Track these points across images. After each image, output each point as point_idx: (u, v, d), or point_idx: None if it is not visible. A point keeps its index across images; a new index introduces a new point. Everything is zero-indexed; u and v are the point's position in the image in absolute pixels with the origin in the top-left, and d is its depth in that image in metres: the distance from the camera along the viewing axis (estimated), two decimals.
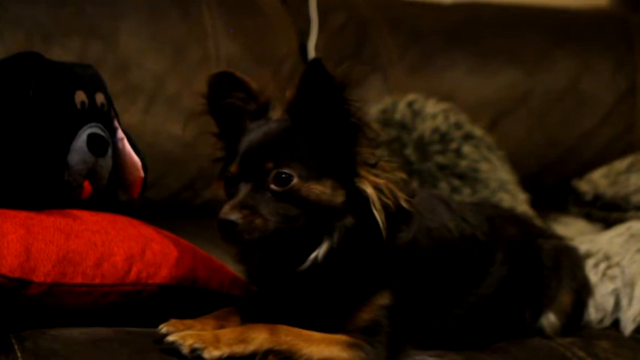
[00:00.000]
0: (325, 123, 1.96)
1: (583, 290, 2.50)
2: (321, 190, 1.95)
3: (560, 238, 2.63)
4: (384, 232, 1.97)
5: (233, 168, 1.98)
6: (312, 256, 1.97)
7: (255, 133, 2.01)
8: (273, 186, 1.94)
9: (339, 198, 1.96)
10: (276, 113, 2.04)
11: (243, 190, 1.94)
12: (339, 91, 1.94)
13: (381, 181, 1.98)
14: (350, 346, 1.97)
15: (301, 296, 2.03)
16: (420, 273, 2.08)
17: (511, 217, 2.60)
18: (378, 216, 1.96)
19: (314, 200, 1.94)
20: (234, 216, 1.90)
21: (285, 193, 1.93)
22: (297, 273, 1.98)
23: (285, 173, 1.93)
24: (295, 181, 1.93)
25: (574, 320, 2.47)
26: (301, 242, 1.97)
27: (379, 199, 1.97)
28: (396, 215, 2.00)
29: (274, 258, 2.01)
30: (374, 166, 1.99)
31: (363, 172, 1.97)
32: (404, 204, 2.00)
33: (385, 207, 1.97)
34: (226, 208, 1.91)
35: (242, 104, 2.06)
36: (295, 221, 1.94)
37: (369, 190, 1.96)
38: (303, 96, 1.97)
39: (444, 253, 2.15)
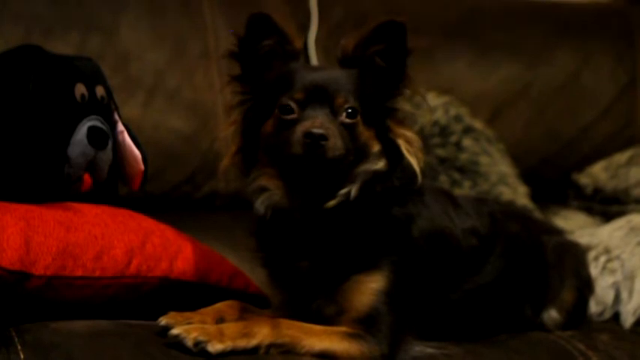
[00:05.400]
0: (379, 76, 2.06)
1: (585, 288, 2.51)
2: (368, 134, 2.04)
3: (564, 234, 2.63)
4: (419, 174, 2.06)
5: (298, 95, 2.01)
6: (344, 191, 2.02)
7: (316, 70, 2.12)
8: (343, 117, 2.00)
9: (377, 146, 2.05)
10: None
11: (320, 114, 1.99)
12: (405, 54, 2.05)
13: (410, 136, 2.08)
14: (349, 336, 1.99)
15: (321, 238, 2.05)
16: (417, 253, 2.11)
17: (515, 213, 2.61)
18: (412, 159, 2.06)
19: (362, 141, 2.03)
20: (325, 131, 1.95)
21: (349, 126, 2.00)
22: (324, 210, 2.02)
23: (353, 108, 2.01)
24: (358, 117, 2.02)
25: (575, 317, 2.47)
26: (336, 179, 2.03)
27: (408, 150, 2.07)
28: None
29: (310, 190, 2.04)
30: (404, 123, 2.09)
31: (395, 127, 2.07)
32: (420, 165, 2.08)
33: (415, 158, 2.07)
34: (310, 124, 1.96)
35: (278, 47, 2.09)
36: (348, 154, 2.00)
37: (400, 141, 2.06)
38: (367, 46, 2.06)
39: (442, 237, 2.18)
